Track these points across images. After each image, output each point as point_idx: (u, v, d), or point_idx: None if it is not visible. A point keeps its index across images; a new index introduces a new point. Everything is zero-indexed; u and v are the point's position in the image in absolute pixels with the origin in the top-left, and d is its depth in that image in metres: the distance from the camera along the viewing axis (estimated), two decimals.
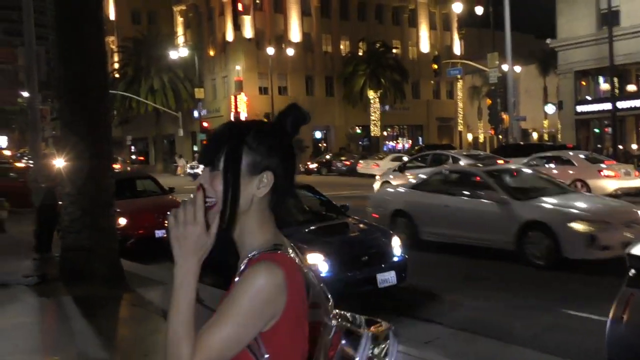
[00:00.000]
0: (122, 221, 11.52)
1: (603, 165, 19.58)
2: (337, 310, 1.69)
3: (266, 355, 1.49)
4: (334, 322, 1.65)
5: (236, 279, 1.53)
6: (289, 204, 9.55)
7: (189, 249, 1.49)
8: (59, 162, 10.53)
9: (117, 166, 28.94)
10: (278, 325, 1.49)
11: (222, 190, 1.53)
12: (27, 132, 66.66)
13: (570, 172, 19.07)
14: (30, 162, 15.59)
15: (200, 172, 1.62)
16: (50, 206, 11.49)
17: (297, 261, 1.56)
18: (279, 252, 1.54)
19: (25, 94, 17.46)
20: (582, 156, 20.34)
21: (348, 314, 1.69)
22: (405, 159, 26.92)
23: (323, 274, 7.08)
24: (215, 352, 1.45)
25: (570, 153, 20.94)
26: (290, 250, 1.58)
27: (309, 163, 45.57)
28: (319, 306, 1.62)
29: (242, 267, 1.54)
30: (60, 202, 10.34)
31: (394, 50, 57.44)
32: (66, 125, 9.11)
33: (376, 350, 1.59)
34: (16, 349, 6.06)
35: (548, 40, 35.50)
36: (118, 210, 10.00)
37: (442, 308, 7.68)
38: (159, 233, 11.84)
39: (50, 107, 25.04)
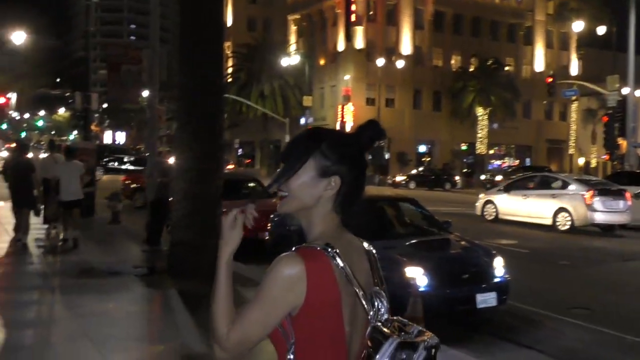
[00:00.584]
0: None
1: None
2: (394, 317, 1.75)
3: (292, 340, 1.66)
4: (376, 323, 1.71)
5: None
6: (391, 216, 9.56)
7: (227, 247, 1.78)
8: (173, 160, 11.04)
9: (231, 166, 29.83)
10: (302, 311, 1.64)
11: (294, 189, 1.74)
12: (143, 130, 70.21)
13: None
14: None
15: None
16: (162, 201, 12.03)
17: (337, 261, 1.67)
18: (317, 248, 1.68)
19: (145, 94, 18.39)
20: None
21: (405, 321, 1.74)
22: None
23: (421, 289, 7.02)
24: (244, 332, 1.66)
25: None
26: (338, 252, 1.68)
27: (396, 176, 45.78)
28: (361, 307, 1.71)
29: None
30: (171, 199, 10.83)
31: (507, 68, 56.11)
32: (182, 126, 9.54)
33: (404, 355, 1.63)
34: (128, 335, 6.39)
35: None
36: (224, 210, 10.32)
37: (542, 335, 7.41)
38: (262, 235, 12.10)
39: (166, 108, 26.25)
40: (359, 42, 52.83)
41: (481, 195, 22.00)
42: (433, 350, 1.66)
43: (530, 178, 21.70)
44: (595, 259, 13.45)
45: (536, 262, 12.87)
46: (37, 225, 13.07)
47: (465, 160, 57.30)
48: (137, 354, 5.83)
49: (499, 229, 18.22)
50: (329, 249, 1.68)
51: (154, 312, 7.96)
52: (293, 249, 1.70)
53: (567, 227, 17.84)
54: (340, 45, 54.34)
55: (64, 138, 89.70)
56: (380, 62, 49.70)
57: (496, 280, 7.78)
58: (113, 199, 15.88)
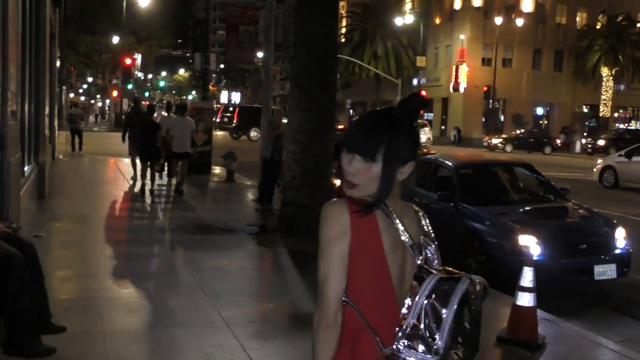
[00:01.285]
0: (339, 182, 11.97)
1: None
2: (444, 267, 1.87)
3: (345, 285, 1.80)
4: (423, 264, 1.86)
5: None
6: (505, 181, 9.27)
7: None
8: (286, 120, 11.20)
9: (341, 127, 29.93)
10: (351, 254, 1.79)
11: (381, 181, 1.80)
12: (258, 90, 71.78)
13: None
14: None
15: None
16: (274, 161, 12.30)
17: (382, 211, 1.83)
18: (365, 199, 1.83)
19: (260, 54, 18.67)
20: None
21: (454, 270, 1.83)
22: None
23: (535, 258, 6.78)
24: (322, 285, 1.79)
25: None
26: (386, 205, 1.84)
27: (492, 138, 43.53)
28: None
29: None
30: (283, 159, 11.04)
31: (639, 24, 52.40)
32: (297, 86, 9.61)
33: (445, 287, 1.73)
34: (240, 291, 6.63)
35: None
36: (334, 171, 10.39)
37: None
38: None
39: (280, 68, 26.56)
40: (477, 0, 50.98)
41: (600, 161, 21.31)
42: (478, 283, 1.76)
43: None
44: None
45: None
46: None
47: (587, 123, 54.47)
48: (248, 310, 6.03)
49: (620, 196, 17.37)
50: (375, 202, 1.82)
51: (265, 270, 8.20)
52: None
53: None
54: (457, 4, 52.68)
55: (184, 97, 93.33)
56: (499, 20, 47.74)
57: (617, 251, 7.41)
58: (228, 157, 16.36)
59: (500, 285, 6.42)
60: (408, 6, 57.17)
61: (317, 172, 9.45)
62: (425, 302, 1.72)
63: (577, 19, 54.59)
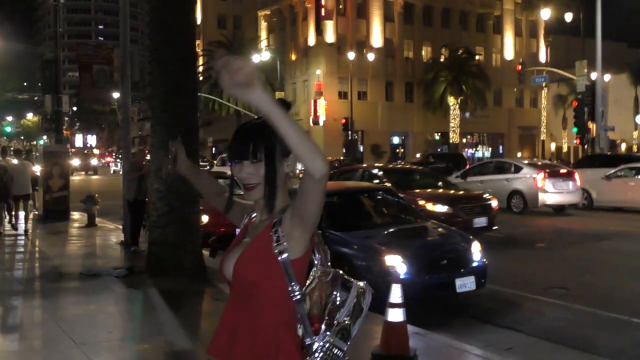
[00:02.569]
0: (205, 218, 11.85)
1: None
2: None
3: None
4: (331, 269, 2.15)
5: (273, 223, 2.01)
6: (368, 206, 9.63)
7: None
8: (148, 159, 10.99)
9: (205, 164, 29.79)
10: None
11: (265, 175, 2.00)
12: (115, 132, 69.59)
13: None
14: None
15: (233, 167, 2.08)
16: (139, 202, 11.99)
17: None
18: None
19: (117, 95, 18.25)
20: None
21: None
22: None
23: (401, 276, 7.09)
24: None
25: None
26: None
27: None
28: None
29: (277, 218, 2.01)
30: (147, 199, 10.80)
31: (477, 57, 56.61)
32: (158, 123, 9.47)
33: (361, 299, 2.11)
34: (110, 335, 6.37)
35: None
36: (201, 207, 10.30)
37: (522, 316, 7.54)
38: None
39: (137, 108, 26.03)
40: (330, 36, 52.89)
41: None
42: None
43: (486, 164, 22.98)
44: (569, 240, 13.67)
45: (513, 245, 13.03)
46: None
47: (439, 149, 57.71)
48: (121, 353, 5.82)
49: None
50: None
51: (135, 312, 7.94)
52: (281, 209, 2.06)
53: (520, 209, 18.86)
54: (311, 40, 54.36)
55: (34, 142, 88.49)
56: (351, 55, 49.79)
57: (474, 264, 7.89)
58: (88, 201, 15.74)
59: (371, 307, 6.61)
60: (264, 43, 58.18)
61: (184, 208, 9.32)
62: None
63: (423, 52, 58.14)
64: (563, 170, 19.70)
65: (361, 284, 2.14)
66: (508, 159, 25.52)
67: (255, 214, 2.17)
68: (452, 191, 14.64)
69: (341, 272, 2.14)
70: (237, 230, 2.25)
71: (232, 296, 2.10)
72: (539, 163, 21.10)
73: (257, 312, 2.00)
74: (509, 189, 19.15)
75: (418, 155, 45.28)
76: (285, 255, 1.96)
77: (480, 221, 12.90)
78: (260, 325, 1.99)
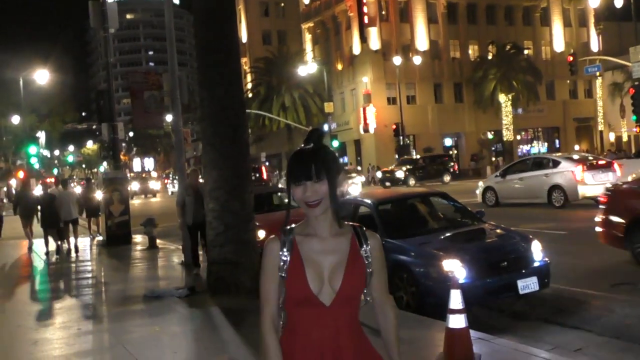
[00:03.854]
0: (261, 234, 11.94)
1: None
2: None
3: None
4: None
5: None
6: (424, 212, 9.55)
7: None
8: (202, 180, 11.14)
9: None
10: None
11: (330, 192, 2.25)
12: (170, 154, 71.01)
13: None
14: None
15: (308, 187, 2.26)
16: (198, 222, 12.13)
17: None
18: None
19: (169, 118, 18.63)
20: None
21: None
22: None
23: (461, 281, 6.99)
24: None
25: None
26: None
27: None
28: None
29: (358, 238, 2.38)
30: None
31: (526, 51, 55.59)
32: (209, 145, 9.63)
33: None
34: (175, 356, 6.48)
35: None
36: (257, 223, 10.39)
37: (589, 315, 7.32)
38: None
39: (191, 129, 26.51)
40: (375, 43, 52.81)
41: (480, 183, 23.12)
42: None
43: (524, 161, 22.95)
44: None
45: (572, 242, 12.67)
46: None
47: (493, 148, 56.78)
48: None
49: (507, 213, 18.38)
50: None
51: (198, 332, 8.05)
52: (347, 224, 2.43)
53: (560, 203, 18.82)
54: (356, 48, 54.39)
55: (94, 170, 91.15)
56: (397, 60, 49.52)
57: (536, 264, 7.72)
58: (147, 224, 16.07)
59: (433, 313, 6.54)
60: (309, 55, 58.56)
61: (239, 227, 9.42)
62: None
63: (470, 51, 57.42)
64: (602, 162, 19.82)
65: None
66: (546, 155, 25.15)
67: (297, 235, 2.38)
68: None
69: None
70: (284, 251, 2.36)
71: (316, 313, 2.30)
72: (575, 157, 20.87)
73: (353, 324, 2.32)
74: (549, 184, 19.26)
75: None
76: (370, 270, 2.33)
77: None
78: (358, 333, 2.34)
